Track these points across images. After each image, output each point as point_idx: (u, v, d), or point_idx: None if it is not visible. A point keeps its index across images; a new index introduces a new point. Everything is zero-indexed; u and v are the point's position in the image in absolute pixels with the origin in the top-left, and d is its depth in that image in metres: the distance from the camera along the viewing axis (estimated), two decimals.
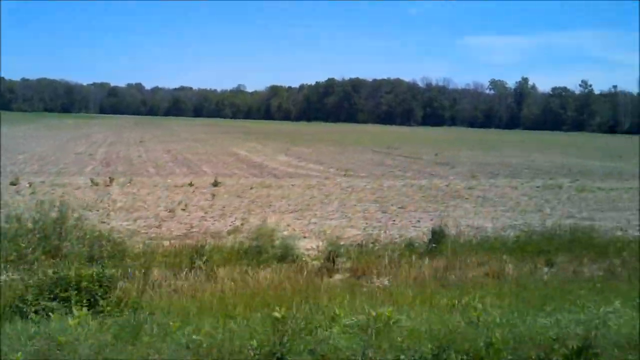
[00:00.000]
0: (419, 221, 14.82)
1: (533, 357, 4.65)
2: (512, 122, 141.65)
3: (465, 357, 4.60)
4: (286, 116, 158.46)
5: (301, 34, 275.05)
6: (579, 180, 25.88)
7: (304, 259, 10.19)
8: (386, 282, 9.24)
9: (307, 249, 10.95)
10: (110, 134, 57.42)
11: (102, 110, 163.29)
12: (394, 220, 14.92)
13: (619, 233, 13.57)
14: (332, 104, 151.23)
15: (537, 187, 23.30)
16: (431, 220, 14.44)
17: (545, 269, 10.18)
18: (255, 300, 7.59)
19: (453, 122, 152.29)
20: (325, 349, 4.58)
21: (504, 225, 14.46)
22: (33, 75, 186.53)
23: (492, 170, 30.08)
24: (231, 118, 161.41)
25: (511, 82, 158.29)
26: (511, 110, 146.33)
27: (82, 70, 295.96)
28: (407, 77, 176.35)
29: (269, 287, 8.53)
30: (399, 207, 17.11)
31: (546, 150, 52.08)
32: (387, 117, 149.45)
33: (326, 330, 4.95)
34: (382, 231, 13.29)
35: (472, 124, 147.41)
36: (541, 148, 55.25)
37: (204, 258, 9.45)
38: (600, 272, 10.05)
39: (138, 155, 34.24)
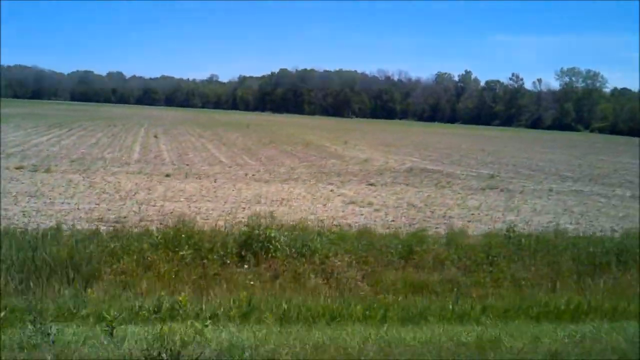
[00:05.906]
0: None
1: None
2: (453, 116, 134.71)
3: None
4: (247, 107, 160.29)
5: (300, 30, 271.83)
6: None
7: None
8: None
9: None
10: None
11: (73, 98, 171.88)
12: None
13: None
14: (280, 95, 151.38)
15: None
16: None
17: None
18: None
19: (404, 115, 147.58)
20: None
21: None
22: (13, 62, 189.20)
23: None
24: (200, 108, 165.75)
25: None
26: (452, 104, 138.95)
27: (62, 59, 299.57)
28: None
29: None
30: None
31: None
32: (334, 109, 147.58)
33: None
34: None
35: (421, 117, 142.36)
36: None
37: None
38: None
39: None
